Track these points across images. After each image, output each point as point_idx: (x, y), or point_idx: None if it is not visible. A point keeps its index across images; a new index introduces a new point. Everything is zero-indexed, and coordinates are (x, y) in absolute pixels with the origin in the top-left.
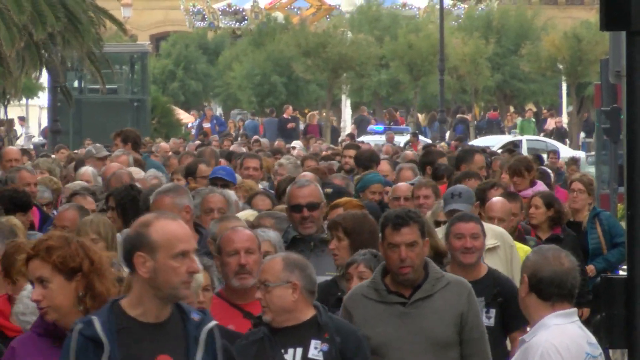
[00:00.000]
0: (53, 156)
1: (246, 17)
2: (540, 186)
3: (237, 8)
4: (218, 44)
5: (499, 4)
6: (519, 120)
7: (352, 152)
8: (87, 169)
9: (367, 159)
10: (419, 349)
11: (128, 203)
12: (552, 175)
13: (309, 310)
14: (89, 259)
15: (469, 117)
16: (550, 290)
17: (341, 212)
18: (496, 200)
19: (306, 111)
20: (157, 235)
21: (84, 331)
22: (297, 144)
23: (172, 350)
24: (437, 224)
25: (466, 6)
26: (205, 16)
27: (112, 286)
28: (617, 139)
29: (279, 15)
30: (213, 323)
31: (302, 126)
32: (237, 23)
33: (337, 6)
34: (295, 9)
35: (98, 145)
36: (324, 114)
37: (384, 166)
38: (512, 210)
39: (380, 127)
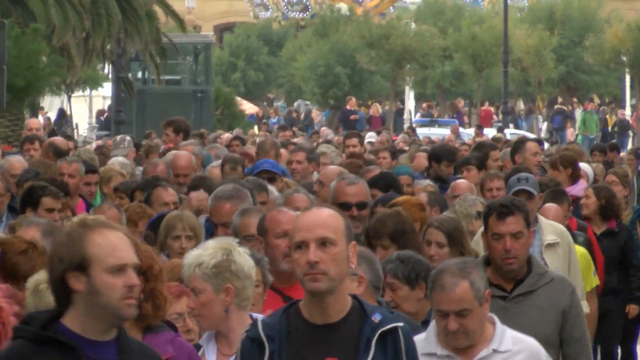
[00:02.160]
0: (94, 145)
1: (310, 7)
2: (581, 185)
3: None
4: (281, 35)
5: None
6: (580, 112)
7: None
8: (116, 159)
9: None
10: None
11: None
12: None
13: None
14: (155, 263)
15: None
16: None
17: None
18: (549, 206)
19: (369, 102)
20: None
21: (250, 332)
22: (371, 136)
23: (342, 352)
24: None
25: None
26: (269, 7)
27: (168, 296)
28: None
29: (343, 7)
30: (392, 325)
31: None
32: (300, 13)
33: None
34: (360, 0)
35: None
36: (387, 105)
37: (422, 162)
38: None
39: (427, 120)
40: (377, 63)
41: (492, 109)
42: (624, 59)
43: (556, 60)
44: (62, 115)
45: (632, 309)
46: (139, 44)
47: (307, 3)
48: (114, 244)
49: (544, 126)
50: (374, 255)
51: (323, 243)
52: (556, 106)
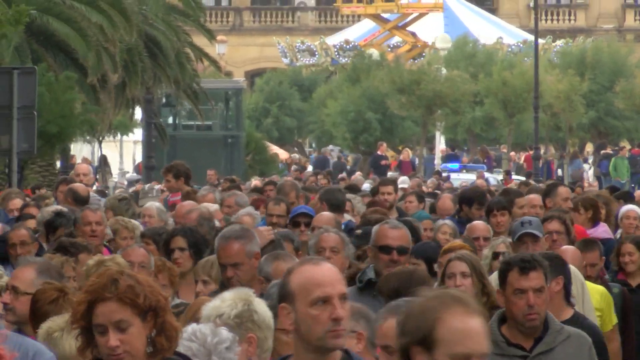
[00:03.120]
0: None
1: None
2: (602, 227)
3: (354, 44)
4: (312, 81)
5: (593, 41)
6: (612, 158)
7: (390, 189)
8: (153, 205)
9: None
10: None
11: (201, 243)
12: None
13: None
14: (161, 296)
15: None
16: None
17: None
18: (566, 248)
19: (400, 147)
20: (295, 282)
21: None
22: (403, 181)
23: None
24: (496, 255)
25: (562, 44)
26: (316, 52)
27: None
28: None
29: (374, 52)
30: None
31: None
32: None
33: (432, 43)
34: (390, 47)
35: (149, 185)
36: (418, 150)
37: (448, 203)
38: (588, 260)
39: (455, 165)
40: (408, 108)
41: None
42: None
43: (587, 105)
44: (104, 162)
45: None
46: (171, 89)
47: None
48: (466, 331)
49: (590, 171)
50: (370, 312)
51: (342, 298)
52: (603, 151)
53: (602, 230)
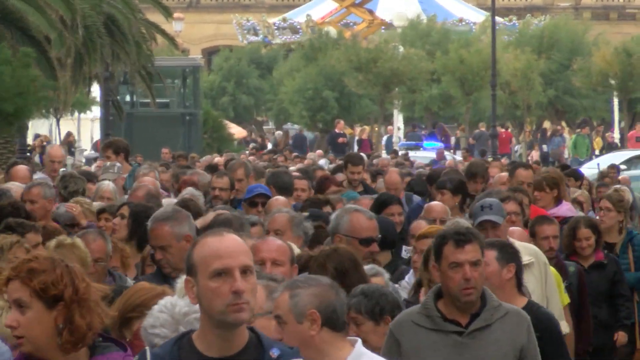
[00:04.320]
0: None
1: (301, 31)
2: (566, 206)
3: (292, 22)
4: (271, 59)
5: (550, 19)
6: (573, 135)
7: (359, 168)
8: (109, 184)
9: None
10: None
11: (143, 219)
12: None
13: None
14: (74, 287)
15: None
16: (342, 320)
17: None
18: (513, 229)
19: (358, 125)
20: (196, 254)
21: None
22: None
23: None
24: None
25: (521, 22)
26: (259, 30)
27: (97, 321)
28: None
29: (331, 30)
30: None
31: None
32: (293, 36)
33: (390, 21)
34: (350, 23)
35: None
36: (376, 128)
37: (395, 176)
38: (542, 234)
39: (411, 143)
40: (365, 86)
41: (513, 132)
42: (612, 82)
43: (544, 84)
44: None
45: (620, 337)
46: (129, 67)
47: (299, 27)
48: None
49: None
50: None
51: (244, 271)
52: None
53: (566, 209)
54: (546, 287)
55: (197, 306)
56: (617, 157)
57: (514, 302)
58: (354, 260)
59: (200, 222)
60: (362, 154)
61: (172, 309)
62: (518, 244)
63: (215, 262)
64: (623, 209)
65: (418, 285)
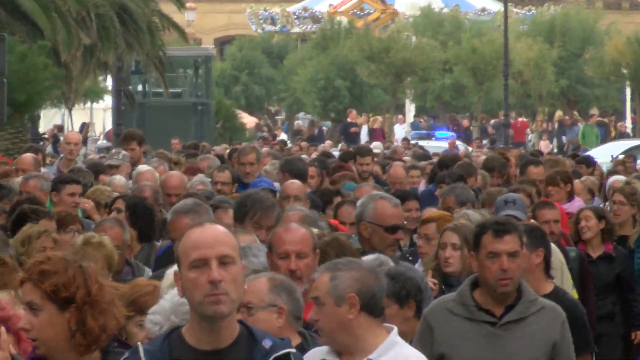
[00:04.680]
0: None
1: (322, 20)
2: (577, 202)
3: (314, 11)
4: (281, 48)
5: (562, 8)
6: (581, 125)
7: (368, 159)
8: (121, 179)
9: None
10: None
11: (140, 211)
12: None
13: (294, 337)
14: (86, 289)
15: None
16: (381, 306)
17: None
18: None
19: (370, 115)
20: (180, 246)
21: None
22: (376, 146)
23: None
24: None
25: (539, 10)
26: (277, 20)
27: (111, 322)
28: None
29: (343, 20)
30: (284, 351)
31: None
32: (314, 25)
33: (403, 11)
34: (361, 13)
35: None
36: (388, 118)
37: (399, 170)
38: (543, 218)
39: (423, 132)
40: (377, 76)
41: (528, 121)
42: (624, 71)
43: (556, 73)
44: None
45: (638, 335)
46: (141, 56)
47: (321, 16)
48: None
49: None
50: (294, 284)
51: (223, 262)
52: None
53: (578, 205)
54: (562, 282)
55: None
56: (616, 147)
57: (542, 287)
58: (353, 252)
59: None
60: (372, 145)
61: (173, 298)
62: None
63: (194, 253)
64: (636, 202)
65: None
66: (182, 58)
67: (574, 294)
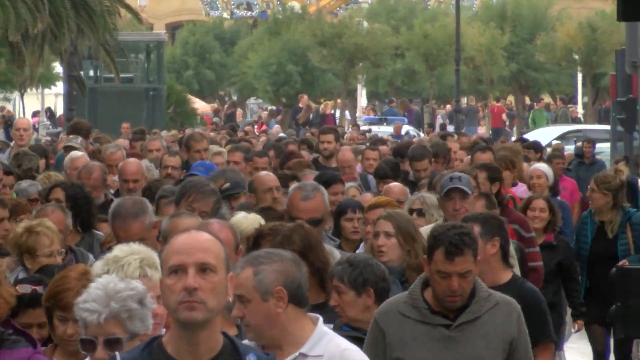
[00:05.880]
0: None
1: (257, 5)
2: (521, 187)
3: None
4: (234, 34)
5: None
6: (531, 111)
7: (330, 137)
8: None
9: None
10: None
11: (81, 200)
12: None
13: (232, 330)
14: None
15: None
16: (306, 295)
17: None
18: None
19: (321, 100)
20: (163, 252)
21: None
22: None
23: None
24: (411, 212)
25: None
26: (219, 5)
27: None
28: (632, 129)
29: (295, 5)
30: None
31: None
32: (247, 12)
33: None
34: None
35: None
36: (339, 103)
37: (348, 154)
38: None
39: (375, 118)
40: (329, 61)
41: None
42: (576, 57)
43: (508, 58)
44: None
45: (579, 325)
46: (92, 42)
47: (255, 2)
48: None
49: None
50: None
51: (203, 269)
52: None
53: (522, 190)
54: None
55: (132, 284)
56: (551, 132)
57: (500, 277)
58: (318, 239)
59: None
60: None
61: (106, 285)
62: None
63: (172, 258)
64: (609, 190)
65: None
66: (133, 43)
67: None
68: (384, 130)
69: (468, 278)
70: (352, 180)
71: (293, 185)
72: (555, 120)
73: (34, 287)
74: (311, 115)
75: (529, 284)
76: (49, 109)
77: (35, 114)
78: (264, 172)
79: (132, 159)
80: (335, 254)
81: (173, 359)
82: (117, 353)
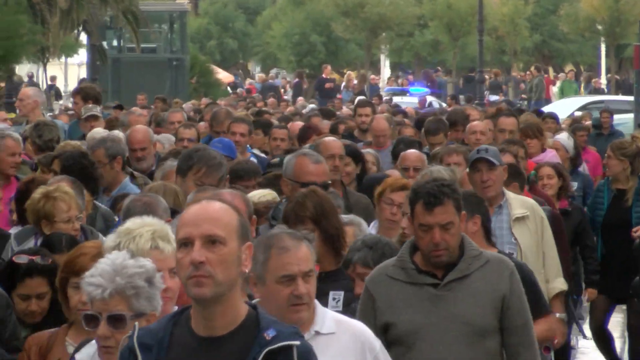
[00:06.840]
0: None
1: None
2: (550, 153)
3: None
4: (257, 4)
5: None
6: (559, 81)
7: (367, 110)
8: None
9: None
10: (452, 337)
11: (77, 171)
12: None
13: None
14: None
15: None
16: None
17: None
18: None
19: (344, 71)
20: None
21: (129, 340)
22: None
23: None
24: None
25: None
26: None
27: None
28: None
29: None
30: (282, 344)
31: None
32: None
33: None
34: None
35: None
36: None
37: (383, 123)
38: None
39: (397, 89)
40: (352, 31)
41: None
42: (599, 27)
43: (531, 29)
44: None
45: (589, 293)
46: (115, 11)
47: None
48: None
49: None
50: None
51: (211, 241)
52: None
53: (551, 155)
54: (542, 242)
55: (141, 261)
56: (573, 103)
57: None
58: (332, 205)
59: None
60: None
61: (114, 260)
62: (513, 196)
63: (180, 231)
64: (625, 156)
65: None
66: (156, 13)
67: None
68: (407, 101)
69: (451, 230)
70: (385, 149)
71: (292, 154)
72: (530, 90)
73: (30, 258)
74: (365, 86)
75: (515, 258)
76: (51, 86)
77: (52, 79)
78: (330, 138)
79: (139, 126)
80: (364, 226)
81: (193, 331)
82: (136, 323)
